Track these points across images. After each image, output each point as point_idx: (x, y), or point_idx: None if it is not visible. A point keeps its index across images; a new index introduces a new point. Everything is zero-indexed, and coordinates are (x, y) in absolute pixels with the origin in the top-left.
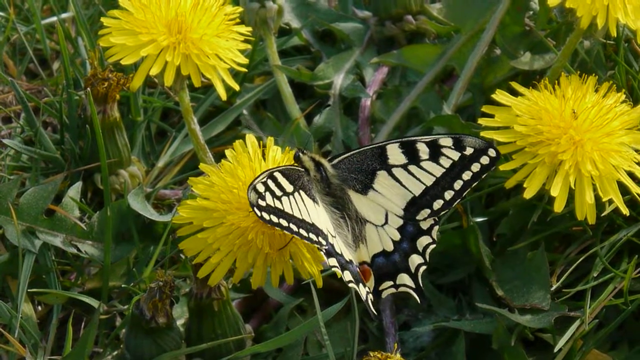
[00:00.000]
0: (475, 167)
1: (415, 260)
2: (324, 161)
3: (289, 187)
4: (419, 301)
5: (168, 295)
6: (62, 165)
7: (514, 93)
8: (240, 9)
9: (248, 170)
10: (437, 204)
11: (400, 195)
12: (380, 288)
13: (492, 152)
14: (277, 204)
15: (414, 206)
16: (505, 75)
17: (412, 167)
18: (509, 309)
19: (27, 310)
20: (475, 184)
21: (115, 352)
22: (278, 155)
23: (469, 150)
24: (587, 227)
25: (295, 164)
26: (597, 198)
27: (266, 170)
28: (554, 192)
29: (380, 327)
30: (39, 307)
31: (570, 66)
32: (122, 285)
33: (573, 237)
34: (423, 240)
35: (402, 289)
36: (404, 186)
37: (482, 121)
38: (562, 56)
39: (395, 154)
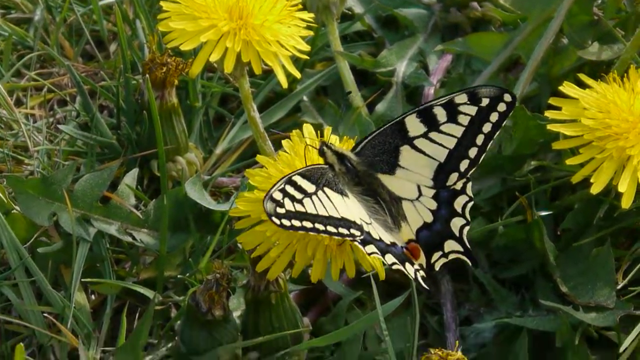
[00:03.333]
0: (494, 116)
1: (457, 223)
2: (347, 152)
3: (310, 188)
4: (469, 263)
5: (225, 287)
6: (119, 151)
7: (582, 85)
8: None
9: (306, 160)
10: (464, 165)
11: (426, 166)
12: (432, 261)
13: (507, 97)
14: (299, 207)
15: (442, 173)
16: (572, 66)
17: (432, 134)
18: (573, 306)
19: (81, 299)
20: (497, 133)
21: (170, 344)
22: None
23: (485, 102)
24: None
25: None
26: None
27: (284, 177)
28: (621, 188)
29: (441, 321)
30: (93, 297)
31: (639, 57)
32: (178, 276)
33: None
34: (460, 201)
35: (452, 255)
36: (428, 155)
37: (549, 114)
38: (631, 47)
39: (414, 124)
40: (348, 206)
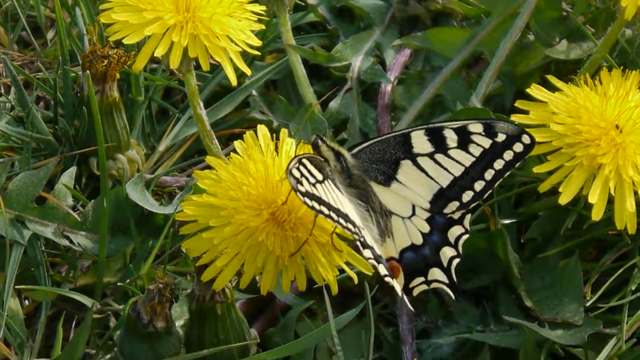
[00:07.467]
0: (508, 155)
1: (447, 253)
2: (344, 151)
3: (318, 175)
4: (453, 297)
5: (168, 298)
6: (56, 147)
7: (549, 86)
8: None
9: (260, 165)
10: (467, 196)
11: (426, 187)
12: (411, 285)
13: (526, 139)
14: (314, 190)
15: (441, 199)
16: (538, 64)
17: (439, 156)
18: (538, 322)
19: (14, 306)
20: (508, 173)
21: (108, 356)
22: (292, 150)
23: (500, 137)
24: (626, 235)
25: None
26: (638, 205)
27: (295, 157)
28: (592, 199)
29: (396, 334)
30: (26, 302)
31: (609, 56)
32: (118, 283)
33: (608, 242)
34: (455, 231)
35: (434, 284)
36: (430, 177)
37: (515, 117)
38: (602, 46)
39: (420, 141)
40: (346, 205)
